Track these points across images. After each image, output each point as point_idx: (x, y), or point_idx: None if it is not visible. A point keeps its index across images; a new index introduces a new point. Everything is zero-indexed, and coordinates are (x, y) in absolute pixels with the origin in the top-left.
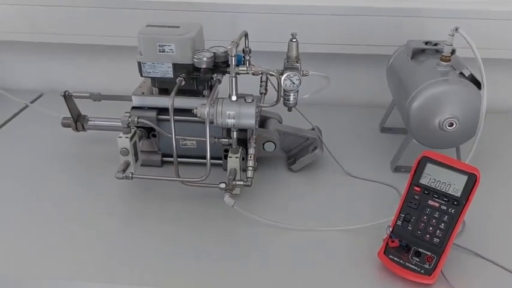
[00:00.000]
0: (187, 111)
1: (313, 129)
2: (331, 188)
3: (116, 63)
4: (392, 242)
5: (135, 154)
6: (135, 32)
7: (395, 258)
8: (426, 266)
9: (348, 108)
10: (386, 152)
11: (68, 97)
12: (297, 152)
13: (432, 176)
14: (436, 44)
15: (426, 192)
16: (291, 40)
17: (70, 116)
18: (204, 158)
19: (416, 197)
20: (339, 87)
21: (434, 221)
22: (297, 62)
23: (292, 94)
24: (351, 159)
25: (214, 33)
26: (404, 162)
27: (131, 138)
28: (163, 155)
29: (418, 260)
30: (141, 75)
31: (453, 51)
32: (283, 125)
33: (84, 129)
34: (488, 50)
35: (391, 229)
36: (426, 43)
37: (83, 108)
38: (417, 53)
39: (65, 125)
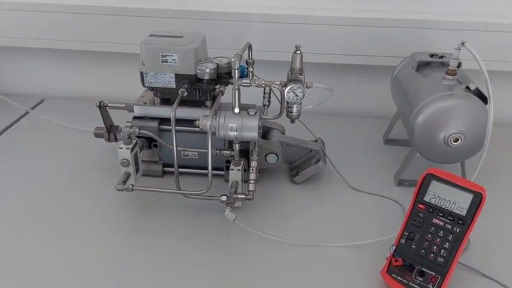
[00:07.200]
0: (190, 122)
1: (316, 140)
2: (334, 202)
3: (118, 70)
4: (396, 261)
5: (136, 165)
6: (138, 39)
7: (398, 278)
8: (430, 286)
9: (352, 119)
10: (390, 164)
11: (102, 108)
12: (300, 164)
13: (437, 194)
14: (441, 57)
15: (431, 210)
16: (295, 52)
17: (103, 126)
18: (206, 168)
19: (420, 214)
20: (343, 98)
21: (438, 240)
22: (301, 74)
23: (295, 106)
24: (354, 172)
25: (219, 42)
26: (408, 175)
27: (132, 149)
28: (165, 165)
29: (421, 279)
30: (143, 85)
31: (459, 65)
32: (286, 136)
33: (116, 139)
34: (495, 62)
35: (394, 248)
36: (432, 55)
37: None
38: (422, 66)
39: (97, 136)
